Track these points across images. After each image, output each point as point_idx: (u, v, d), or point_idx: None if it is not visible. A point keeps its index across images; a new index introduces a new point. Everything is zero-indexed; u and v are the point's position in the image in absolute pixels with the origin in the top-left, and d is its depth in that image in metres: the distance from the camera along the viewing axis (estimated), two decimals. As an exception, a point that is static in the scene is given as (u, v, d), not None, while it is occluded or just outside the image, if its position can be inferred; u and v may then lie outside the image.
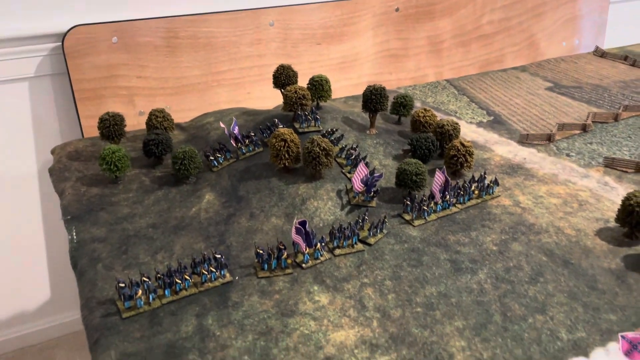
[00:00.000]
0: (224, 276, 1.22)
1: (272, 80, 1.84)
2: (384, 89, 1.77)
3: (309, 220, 1.41)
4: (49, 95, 2.07)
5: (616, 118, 2.07)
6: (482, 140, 1.93)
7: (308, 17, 2.30)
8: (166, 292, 1.16)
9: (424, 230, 1.41)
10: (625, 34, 3.24)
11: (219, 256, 1.22)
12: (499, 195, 1.57)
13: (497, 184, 1.58)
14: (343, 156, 1.64)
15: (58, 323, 2.45)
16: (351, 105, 2.17)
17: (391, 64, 2.56)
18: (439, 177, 1.47)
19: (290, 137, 1.52)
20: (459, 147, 1.61)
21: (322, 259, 1.29)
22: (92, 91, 2.02)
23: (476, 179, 1.57)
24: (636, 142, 1.90)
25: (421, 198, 1.48)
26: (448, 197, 1.48)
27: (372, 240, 1.36)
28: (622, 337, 0.98)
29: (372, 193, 1.50)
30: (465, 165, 1.61)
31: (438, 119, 1.81)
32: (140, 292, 1.12)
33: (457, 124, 1.74)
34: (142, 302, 1.13)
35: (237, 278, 1.23)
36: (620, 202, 1.40)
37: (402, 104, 1.93)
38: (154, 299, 1.14)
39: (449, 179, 1.49)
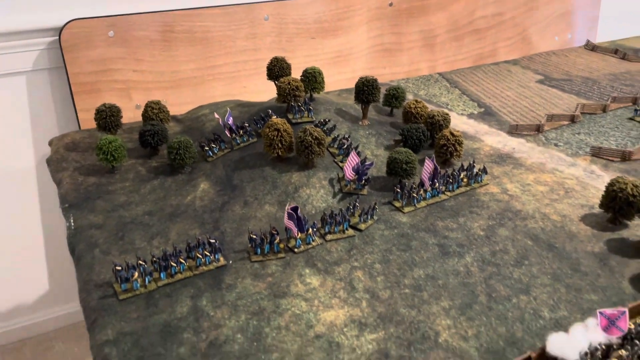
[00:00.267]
0: (218, 260, 1.25)
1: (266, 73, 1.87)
2: (375, 80, 1.80)
3: (301, 208, 1.45)
4: (46, 89, 2.09)
5: (604, 109, 2.11)
6: (473, 131, 1.97)
7: (302, 12, 2.33)
8: (162, 275, 1.19)
9: (413, 217, 1.45)
10: (617, 28, 3.28)
11: (214, 241, 1.26)
12: (488, 184, 1.60)
13: (486, 173, 1.61)
14: (335, 146, 1.67)
15: (56, 315, 2.48)
16: (344, 98, 2.20)
17: (385, 58, 2.59)
18: (428, 165, 1.51)
19: (284, 127, 1.55)
20: (449, 137, 1.64)
21: (313, 243, 1.33)
22: (88, 85, 2.05)
23: (465, 167, 1.61)
24: (623, 133, 1.93)
25: (411, 186, 1.51)
26: (437, 184, 1.52)
27: (362, 226, 1.39)
28: (601, 313, 1.01)
29: (363, 181, 1.53)
30: (454, 154, 1.65)
31: (429, 110, 1.84)
32: (136, 274, 1.16)
33: (447, 114, 1.78)
34: (138, 285, 1.16)
35: (230, 262, 1.27)
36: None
37: (394, 96, 1.96)
38: (149, 282, 1.18)
39: (438, 166, 1.53)
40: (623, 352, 0.99)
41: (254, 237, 1.29)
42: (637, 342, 1.02)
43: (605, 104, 2.12)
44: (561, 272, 1.25)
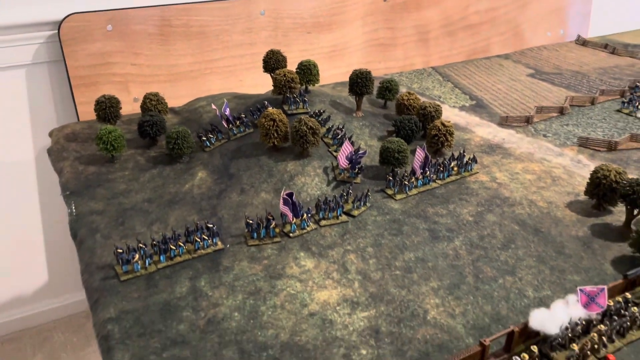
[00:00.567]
0: (216, 244, 1.30)
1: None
2: (369, 72, 1.85)
3: (296, 195, 1.49)
4: (45, 82, 2.12)
5: (593, 102, 2.16)
6: (464, 123, 2.01)
7: (298, 6, 2.37)
8: (161, 257, 1.23)
9: (405, 204, 1.50)
10: (608, 24, 3.33)
11: (211, 225, 1.30)
12: (477, 172, 1.65)
13: (476, 162, 1.66)
14: (330, 136, 1.72)
15: (56, 306, 2.51)
16: (339, 91, 2.24)
17: (380, 52, 2.64)
18: (420, 154, 1.56)
19: (279, 117, 1.59)
20: (440, 127, 1.69)
21: (308, 229, 1.37)
22: (87, 78, 2.08)
23: (456, 157, 1.66)
24: (610, 124, 1.99)
25: (403, 174, 1.56)
26: (428, 173, 1.57)
27: (355, 212, 1.44)
28: (581, 290, 1.06)
29: (357, 170, 1.58)
30: (445, 144, 1.70)
31: (421, 101, 1.89)
32: (137, 256, 1.20)
33: (439, 106, 1.82)
34: (139, 267, 1.20)
35: (228, 246, 1.31)
36: (590, 177, 1.49)
37: (388, 89, 2.01)
38: (150, 264, 1.22)
39: (429, 155, 1.58)
40: (602, 327, 1.05)
41: (251, 222, 1.33)
42: (616, 317, 1.07)
43: (594, 97, 2.17)
44: (546, 255, 1.30)
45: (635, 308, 1.09)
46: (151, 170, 1.64)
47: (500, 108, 2.15)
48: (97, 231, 1.35)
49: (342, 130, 1.70)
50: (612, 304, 1.10)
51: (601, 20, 3.29)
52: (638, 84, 2.26)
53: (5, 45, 2.01)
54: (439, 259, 1.28)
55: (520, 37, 3.00)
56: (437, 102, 1.88)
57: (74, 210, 1.42)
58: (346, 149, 1.56)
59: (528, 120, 1.99)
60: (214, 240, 1.30)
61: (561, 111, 2.08)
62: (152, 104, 1.84)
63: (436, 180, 1.59)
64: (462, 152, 1.66)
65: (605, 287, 1.06)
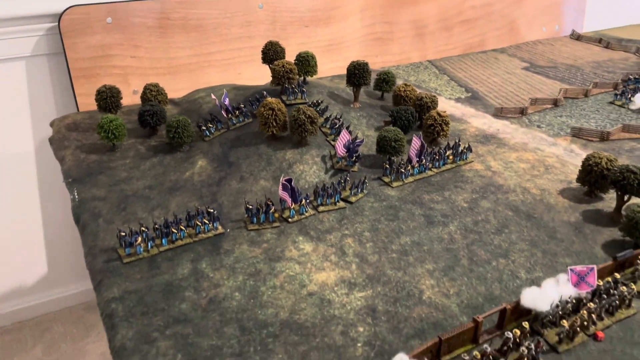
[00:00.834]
0: (217, 228, 1.32)
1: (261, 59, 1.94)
2: (366, 64, 1.87)
3: (295, 182, 1.52)
4: (45, 74, 2.14)
5: (586, 94, 2.20)
6: (460, 114, 2.05)
7: (296, 0, 2.40)
8: (163, 241, 1.26)
9: (401, 191, 1.53)
10: (602, 19, 3.37)
11: (212, 210, 1.33)
12: (472, 161, 1.68)
13: (470, 151, 1.69)
14: (328, 126, 1.75)
15: (55, 297, 2.53)
16: (337, 83, 2.27)
17: (377, 46, 2.67)
18: (416, 142, 1.59)
19: (278, 106, 1.62)
20: (436, 117, 1.72)
21: (307, 214, 1.40)
22: (87, 70, 2.10)
23: (451, 146, 1.69)
24: (603, 115, 2.02)
25: (399, 162, 1.59)
26: (424, 161, 1.60)
27: (353, 199, 1.47)
28: (571, 270, 1.10)
29: (354, 158, 1.61)
30: (441, 134, 1.73)
31: (417, 93, 1.92)
32: (140, 239, 1.22)
33: (435, 97, 1.85)
34: (141, 249, 1.23)
35: (228, 230, 1.34)
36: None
37: (385, 80, 2.04)
38: (152, 247, 1.25)
39: (425, 144, 1.61)
40: (592, 305, 1.08)
41: (250, 207, 1.36)
42: (605, 296, 1.11)
43: (587, 89, 2.20)
44: (538, 239, 1.34)
45: (624, 287, 1.12)
46: (152, 158, 1.66)
47: (496, 100, 2.19)
48: (99, 216, 1.38)
49: (339, 120, 1.73)
50: (601, 283, 1.13)
51: (595, 16, 3.33)
52: (631, 76, 2.30)
53: (5, 38, 2.03)
54: (434, 243, 1.31)
55: (515, 32, 3.03)
56: (433, 93, 1.91)
57: (77, 197, 1.44)
58: (344, 137, 1.59)
59: (522, 112, 2.03)
60: (215, 225, 1.32)
61: (555, 103, 2.11)
62: (152, 94, 1.87)
63: (432, 169, 1.62)
64: (457, 141, 1.69)
65: (595, 266, 1.09)
